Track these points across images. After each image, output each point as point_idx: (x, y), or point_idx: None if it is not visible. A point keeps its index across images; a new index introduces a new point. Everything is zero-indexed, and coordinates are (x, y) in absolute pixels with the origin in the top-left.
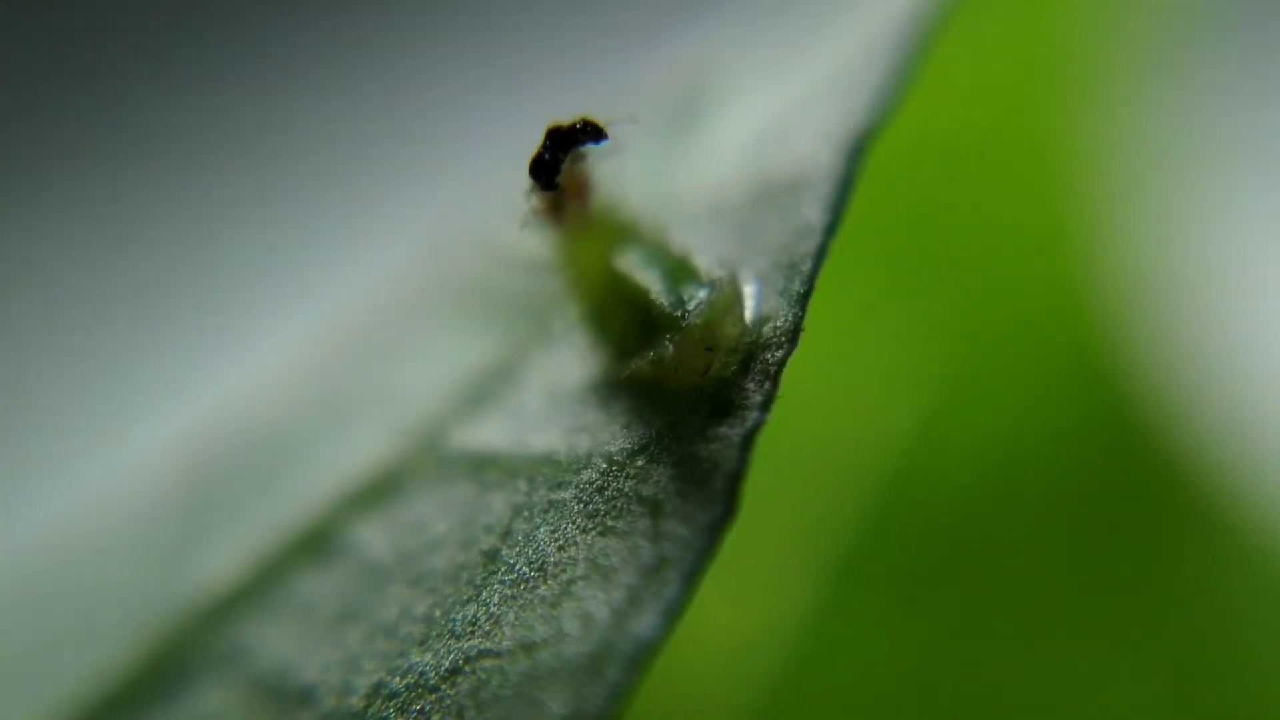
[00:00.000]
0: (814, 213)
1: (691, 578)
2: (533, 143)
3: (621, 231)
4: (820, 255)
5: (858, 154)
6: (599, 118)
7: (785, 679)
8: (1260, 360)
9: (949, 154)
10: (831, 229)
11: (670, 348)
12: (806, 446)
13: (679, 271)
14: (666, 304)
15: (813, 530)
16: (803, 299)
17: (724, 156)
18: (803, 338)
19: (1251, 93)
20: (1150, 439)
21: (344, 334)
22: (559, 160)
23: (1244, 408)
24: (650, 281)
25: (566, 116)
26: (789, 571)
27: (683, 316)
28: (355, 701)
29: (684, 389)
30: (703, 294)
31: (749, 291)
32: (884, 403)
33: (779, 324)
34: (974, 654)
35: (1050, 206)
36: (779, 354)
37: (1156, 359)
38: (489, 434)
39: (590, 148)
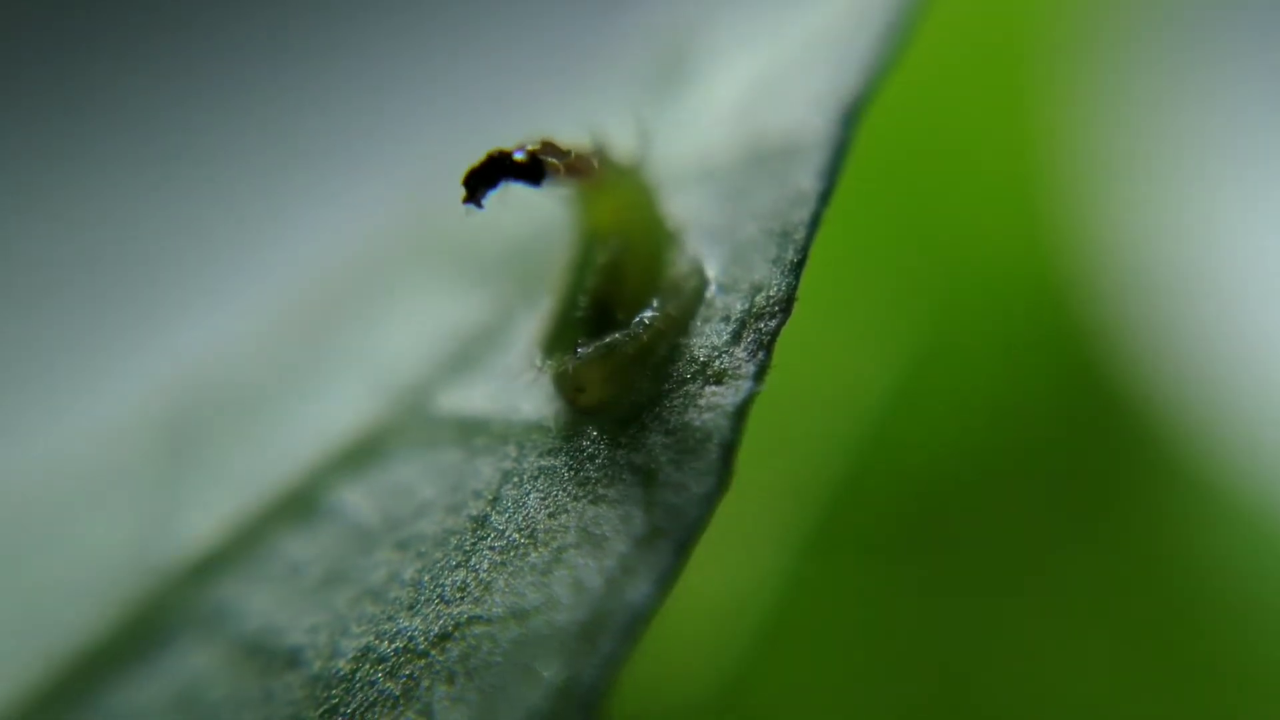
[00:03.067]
0: (807, 180)
1: (685, 547)
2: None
3: (632, 199)
4: (814, 223)
5: (852, 120)
6: (558, 142)
7: (760, 645)
8: (1233, 325)
9: (925, 120)
10: (825, 196)
11: (557, 368)
12: (780, 413)
13: (637, 290)
14: (572, 328)
15: (787, 497)
16: (796, 267)
17: (712, 119)
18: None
19: (1232, 78)
20: (1125, 405)
21: (323, 291)
22: (485, 189)
23: (1218, 372)
24: (589, 294)
25: (521, 139)
26: (764, 538)
27: (574, 351)
28: (343, 665)
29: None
30: (591, 347)
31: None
32: (859, 369)
33: (772, 293)
34: (950, 619)
35: (1026, 174)
36: (772, 323)
37: (1130, 324)
38: (476, 398)
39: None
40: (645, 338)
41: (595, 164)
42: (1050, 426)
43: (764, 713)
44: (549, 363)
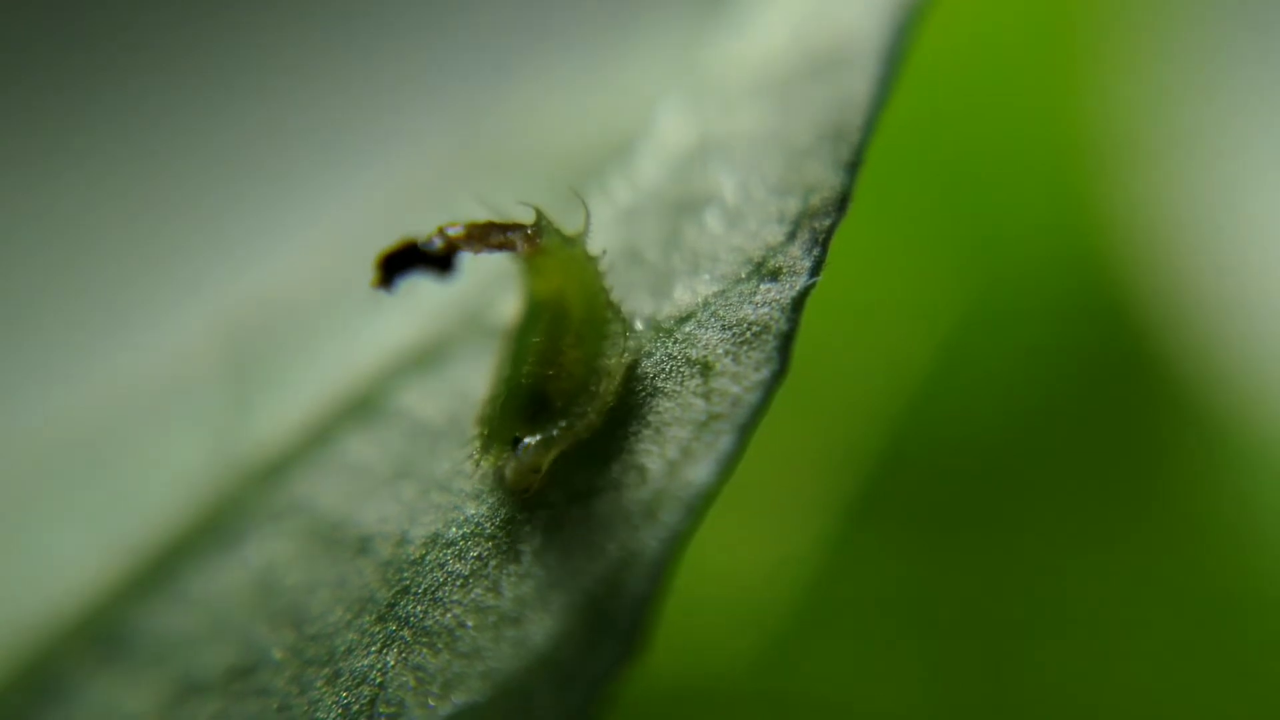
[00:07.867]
0: (861, 85)
1: (744, 430)
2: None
3: (573, 270)
4: (869, 126)
5: (907, 25)
6: (485, 222)
7: (801, 613)
8: (1270, 286)
9: (967, 88)
10: (881, 100)
11: (508, 464)
12: (822, 382)
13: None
14: (509, 415)
15: (829, 465)
16: (851, 167)
17: (762, 30)
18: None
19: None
20: (1166, 372)
21: (381, 213)
22: (395, 276)
23: (1258, 337)
24: (526, 379)
25: (445, 223)
26: (806, 507)
27: (515, 443)
28: (412, 550)
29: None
30: (525, 445)
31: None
32: (899, 337)
33: (826, 193)
34: (992, 589)
35: (1069, 143)
36: (827, 221)
37: (1170, 290)
38: None
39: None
40: (578, 430)
41: (530, 238)
42: (1092, 394)
43: (804, 682)
44: (488, 457)
